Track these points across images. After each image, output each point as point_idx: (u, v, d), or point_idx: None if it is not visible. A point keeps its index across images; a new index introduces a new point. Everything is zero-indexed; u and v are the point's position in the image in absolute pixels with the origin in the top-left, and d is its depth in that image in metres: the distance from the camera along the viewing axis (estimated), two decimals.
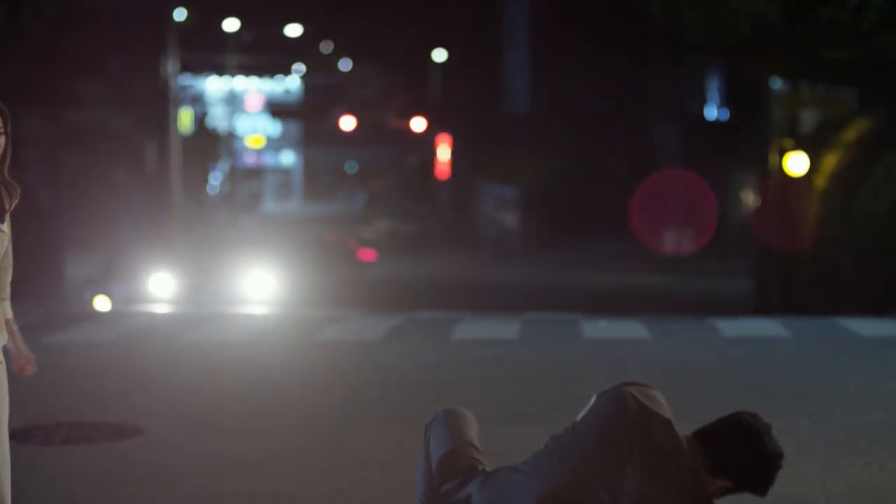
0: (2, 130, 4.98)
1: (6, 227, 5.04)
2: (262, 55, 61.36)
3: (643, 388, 4.84)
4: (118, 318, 16.50)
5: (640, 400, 4.75)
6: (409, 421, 7.32)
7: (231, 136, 62.73)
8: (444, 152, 56.55)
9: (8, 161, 5.06)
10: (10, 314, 5.13)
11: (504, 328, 14.78)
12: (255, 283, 27.78)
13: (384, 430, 8.44)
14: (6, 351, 5.11)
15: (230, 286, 27.28)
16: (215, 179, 58.09)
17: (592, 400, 4.86)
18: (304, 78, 70.07)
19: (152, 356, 12.19)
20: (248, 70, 62.99)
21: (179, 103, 40.53)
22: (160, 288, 26.55)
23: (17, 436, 8.41)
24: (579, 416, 4.83)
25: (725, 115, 55.46)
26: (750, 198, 48.39)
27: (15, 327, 5.15)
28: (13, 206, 5.08)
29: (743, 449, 4.86)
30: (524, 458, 4.84)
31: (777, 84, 27.41)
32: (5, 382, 5.10)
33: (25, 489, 7.06)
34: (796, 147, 26.45)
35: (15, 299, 5.16)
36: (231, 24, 53.28)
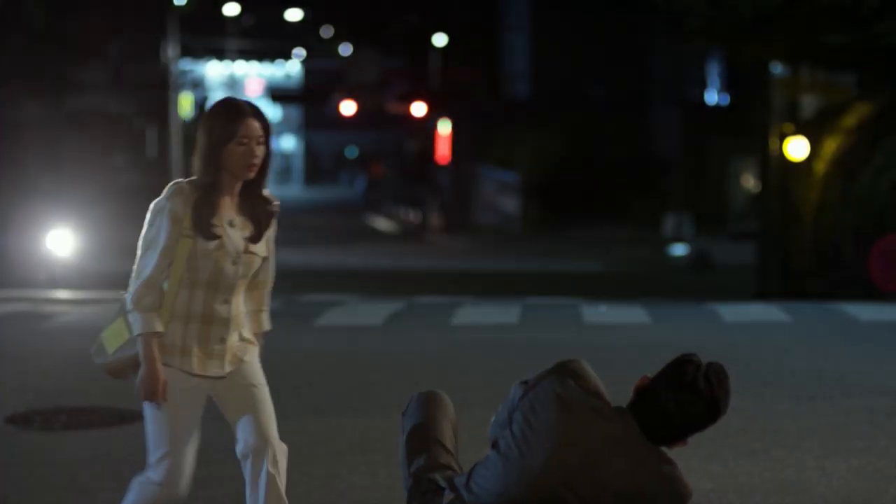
0: (262, 139, 4.71)
1: (262, 246, 4.79)
2: (263, 40, 61.38)
3: (562, 377, 4.67)
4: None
5: (573, 396, 4.60)
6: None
7: None
8: (444, 137, 56.53)
9: (266, 175, 4.77)
10: (267, 326, 4.97)
11: (504, 313, 14.80)
12: None
13: (384, 414, 8.45)
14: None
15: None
16: None
17: (515, 395, 4.71)
18: (305, 62, 70.06)
19: None
20: (248, 55, 63.03)
21: (180, 88, 40.46)
22: (58, 245, 26.31)
23: (18, 421, 8.43)
24: (511, 422, 4.66)
25: (726, 99, 55.48)
26: (750, 182, 48.41)
27: (262, 342, 4.98)
28: (270, 225, 4.82)
29: (680, 404, 4.53)
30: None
31: (777, 69, 27.37)
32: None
33: (27, 474, 7.08)
34: (797, 132, 26.43)
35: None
36: (231, 9, 53.26)
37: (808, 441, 7.76)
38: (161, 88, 37.73)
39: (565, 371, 4.65)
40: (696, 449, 7.42)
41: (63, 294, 19.05)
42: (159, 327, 4.62)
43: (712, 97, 56.87)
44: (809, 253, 26.05)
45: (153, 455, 4.82)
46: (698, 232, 44.66)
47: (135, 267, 4.68)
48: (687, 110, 54.29)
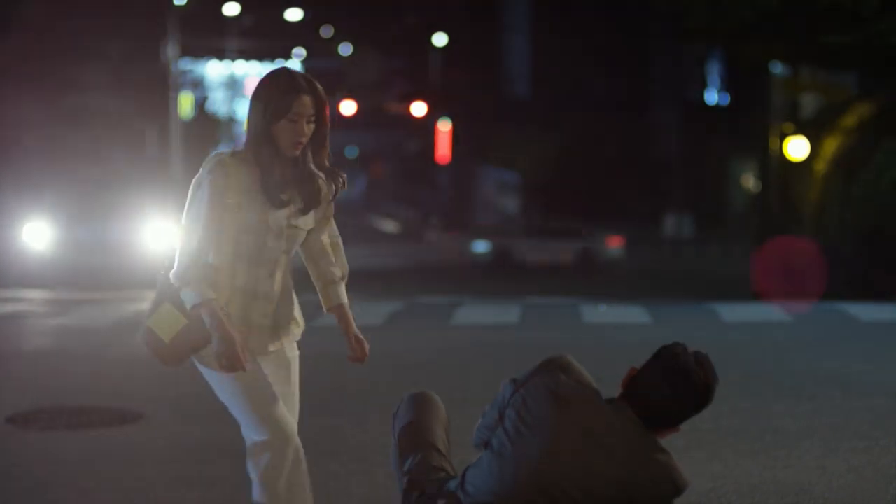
0: (312, 118, 4.65)
1: (308, 219, 4.75)
2: (263, 39, 61.29)
3: (553, 372, 4.72)
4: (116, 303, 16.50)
5: (566, 390, 4.65)
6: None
7: (231, 121, 62.67)
8: (444, 137, 56.54)
9: (322, 150, 4.78)
10: (342, 299, 4.90)
11: (504, 313, 14.79)
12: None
13: (384, 415, 8.41)
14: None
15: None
16: None
17: (505, 394, 4.76)
18: (305, 62, 70.01)
19: None
20: (248, 54, 62.95)
21: (180, 88, 40.48)
22: (34, 238, 26.22)
23: (19, 421, 8.42)
24: (502, 418, 4.72)
25: (726, 99, 55.48)
26: (750, 182, 48.41)
27: (347, 314, 4.89)
28: (335, 193, 4.83)
29: (675, 391, 4.63)
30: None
31: (777, 69, 27.40)
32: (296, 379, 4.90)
33: (27, 473, 7.07)
34: (797, 132, 26.46)
35: None
36: (231, 8, 53.20)
37: (808, 441, 7.75)
38: (161, 88, 37.74)
39: (555, 365, 4.69)
40: (696, 449, 7.42)
41: (42, 294, 18.91)
42: (212, 294, 4.49)
43: (712, 97, 56.87)
44: (809, 252, 26.05)
45: (253, 432, 4.69)
46: (697, 232, 44.68)
47: (178, 244, 4.56)
48: (687, 110, 54.31)
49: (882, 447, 7.59)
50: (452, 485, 4.73)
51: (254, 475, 4.77)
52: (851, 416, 8.55)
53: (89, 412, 8.70)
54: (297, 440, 4.70)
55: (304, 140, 4.65)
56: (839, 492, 6.64)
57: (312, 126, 4.66)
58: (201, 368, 4.76)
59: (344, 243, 5.07)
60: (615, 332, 12.96)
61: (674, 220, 47.04)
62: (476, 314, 14.76)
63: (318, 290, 4.91)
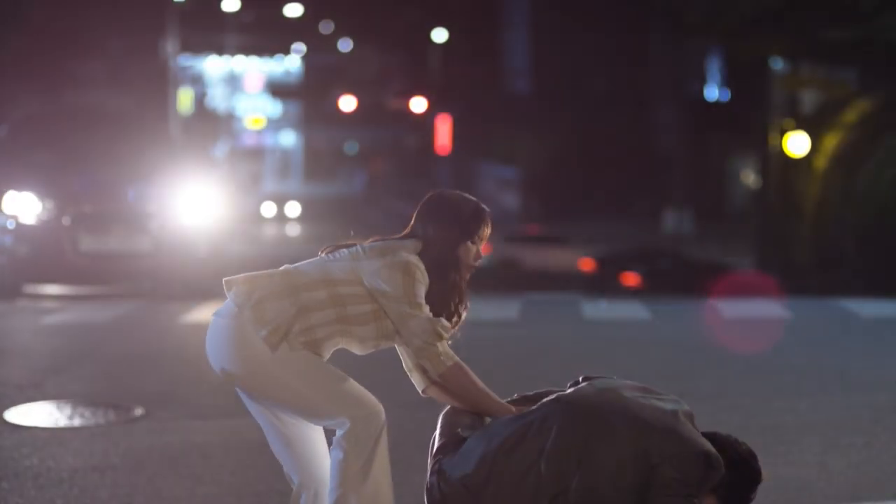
0: (480, 243, 5.18)
1: None
2: (262, 35, 61.35)
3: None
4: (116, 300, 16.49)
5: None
6: (408, 403, 7.30)
7: (231, 117, 62.70)
8: (443, 132, 56.52)
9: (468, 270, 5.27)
10: None
11: (504, 309, 14.78)
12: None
13: (385, 411, 8.42)
14: None
15: None
16: None
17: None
18: (304, 58, 70.01)
19: (154, 337, 12.19)
20: (247, 50, 62.98)
21: (179, 84, 40.47)
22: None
23: (17, 417, 8.41)
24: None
25: (726, 95, 55.43)
26: (750, 178, 48.40)
27: None
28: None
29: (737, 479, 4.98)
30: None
31: (778, 64, 27.38)
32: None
33: (25, 471, 7.06)
34: (797, 128, 26.44)
35: None
36: (230, 4, 53.19)
37: (809, 437, 7.75)
38: (160, 84, 37.72)
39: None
40: None
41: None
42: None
43: (712, 93, 56.81)
44: (810, 249, 26.06)
45: (333, 418, 5.06)
46: (696, 227, 44.66)
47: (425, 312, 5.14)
48: (687, 106, 54.26)
49: (882, 443, 7.59)
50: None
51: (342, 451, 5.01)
52: (852, 412, 8.55)
53: (89, 409, 8.69)
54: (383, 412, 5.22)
55: None
56: (839, 488, 6.64)
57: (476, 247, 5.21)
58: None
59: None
60: (615, 329, 12.95)
61: (674, 216, 47.01)
62: (475, 310, 14.74)
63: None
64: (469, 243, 5.10)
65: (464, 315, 5.35)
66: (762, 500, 6.42)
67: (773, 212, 26.98)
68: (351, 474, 4.92)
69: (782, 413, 8.53)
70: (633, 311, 14.50)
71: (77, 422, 8.35)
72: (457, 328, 5.32)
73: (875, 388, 9.45)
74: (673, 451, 4.63)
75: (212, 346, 5.05)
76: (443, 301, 5.15)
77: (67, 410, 8.65)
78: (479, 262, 5.19)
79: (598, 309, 14.89)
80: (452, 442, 4.95)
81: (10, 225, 15.32)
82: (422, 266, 5.01)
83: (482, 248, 5.19)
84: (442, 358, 5.08)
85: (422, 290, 5.01)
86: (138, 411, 8.62)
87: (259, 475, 6.93)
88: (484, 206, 5.15)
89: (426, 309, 5.03)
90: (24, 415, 8.48)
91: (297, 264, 5.13)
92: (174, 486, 6.74)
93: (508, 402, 5.16)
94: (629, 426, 4.65)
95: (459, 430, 4.99)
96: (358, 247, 5.05)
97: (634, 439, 4.62)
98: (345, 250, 5.07)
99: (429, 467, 4.99)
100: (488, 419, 5.07)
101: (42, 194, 15.37)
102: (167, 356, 11.07)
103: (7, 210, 15.37)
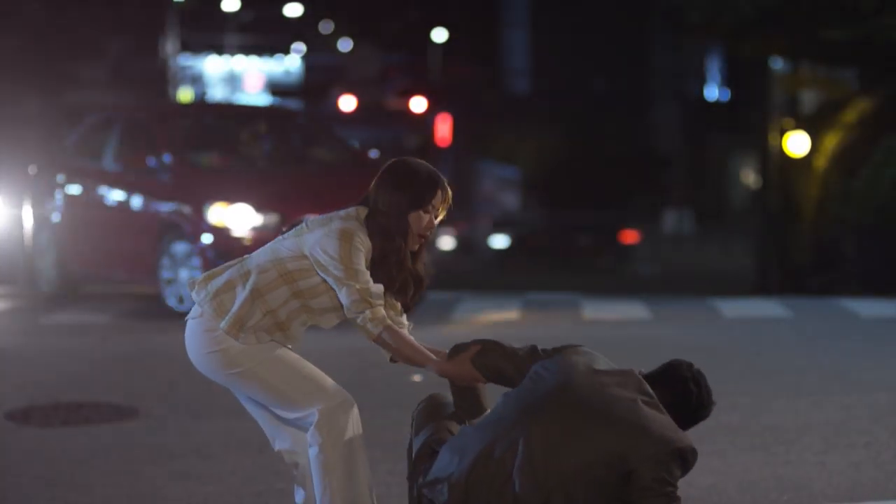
0: (434, 212, 5.14)
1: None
2: (262, 35, 61.30)
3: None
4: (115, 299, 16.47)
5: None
6: (409, 403, 7.30)
7: None
8: (443, 132, 56.49)
9: (423, 253, 5.22)
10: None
11: (505, 307, 14.78)
12: None
13: (383, 411, 8.42)
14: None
15: None
16: None
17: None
18: (304, 58, 69.97)
19: (150, 337, 12.18)
20: (247, 50, 62.92)
21: (179, 83, 40.45)
22: None
23: (17, 417, 8.41)
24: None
25: (726, 95, 55.43)
26: (750, 178, 48.39)
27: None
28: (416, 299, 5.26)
29: (676, 399, 4.94)
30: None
31: (778, 64, 27.37)
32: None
33: (25, 470, 7.06)
34: (797, 127, 26.42)
35: None
36: (230, 4, 53.19)
37: (808, 436, 7.75)
38: (160, 84, 37.71)
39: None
40: (696, 444, 7.40)
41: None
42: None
43: (712, 92, 56.80)
44: (810, 248, 26.05)
45: (303, 409, 5.10)
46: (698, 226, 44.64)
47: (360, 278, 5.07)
48: (687, 105, 54.25)
49: (882, 443, 7.58)
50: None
51: (318, 444, 5.06)
52: (851, 411, 8.54)
53: (86, 408, 8.69)
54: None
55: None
56: (839, 488, 6.63)
57: (428, 218, 5.16)
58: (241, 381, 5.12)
59: None
60: (615, 329, 12.95)
61: (674, 215, 46.99)
62: (475, 309, 14.74)
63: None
64: (421, 212, 5.08)
65: (424, 283, 5.24)
66: (762, 500, 6.43)
67: (773, 212, 26.95)
68: (329, 465, 4.99)
69: (782, 413, 8.53)
70: (632, 310, 14.50)
71: (76, 420, 8.35)
72: (417, 296, 5.24)
73: (875, 388, 9.45)
74: (649, 453, 4.65)
75: (188, 348, 5.16)
76: (386, 267, 5.07)
77: (66, 408, 8.65)
78: (429, 233, 5.14)
79: (598, 308, 14.88)
80: (426, 455, 5.00)
81: (209, 239, 12.75)
82: (361, 233, 5.00)
83: (437, 220, 5.16)
84: (369, 326, 5.06)
85: (360, 257, 4.97)
86: (137, 410, 8.62)
87: (259, 475, 6.93)
88: (441, 175, 5.19)
89: (364, 275, 4.98)
90: (24, 413, 8.48)
91: (252, 253, 5.20)
92: (174, 486, 6.74)
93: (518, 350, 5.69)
94: (603, 430, 4.69)
95: (432, 442, 5.04)
96: (304, 222, 5.09)
97: (609, 445, 4.66)
98: (293, 229, 5.13)
99: (408, 475, 5.06)
100: (458, 427, 5.11)
101: (259, 205, 12.80)
102: (166, 354, 11.07)
103: (217, 223, 12.76)
